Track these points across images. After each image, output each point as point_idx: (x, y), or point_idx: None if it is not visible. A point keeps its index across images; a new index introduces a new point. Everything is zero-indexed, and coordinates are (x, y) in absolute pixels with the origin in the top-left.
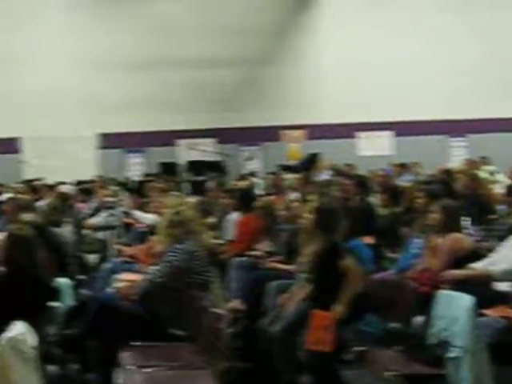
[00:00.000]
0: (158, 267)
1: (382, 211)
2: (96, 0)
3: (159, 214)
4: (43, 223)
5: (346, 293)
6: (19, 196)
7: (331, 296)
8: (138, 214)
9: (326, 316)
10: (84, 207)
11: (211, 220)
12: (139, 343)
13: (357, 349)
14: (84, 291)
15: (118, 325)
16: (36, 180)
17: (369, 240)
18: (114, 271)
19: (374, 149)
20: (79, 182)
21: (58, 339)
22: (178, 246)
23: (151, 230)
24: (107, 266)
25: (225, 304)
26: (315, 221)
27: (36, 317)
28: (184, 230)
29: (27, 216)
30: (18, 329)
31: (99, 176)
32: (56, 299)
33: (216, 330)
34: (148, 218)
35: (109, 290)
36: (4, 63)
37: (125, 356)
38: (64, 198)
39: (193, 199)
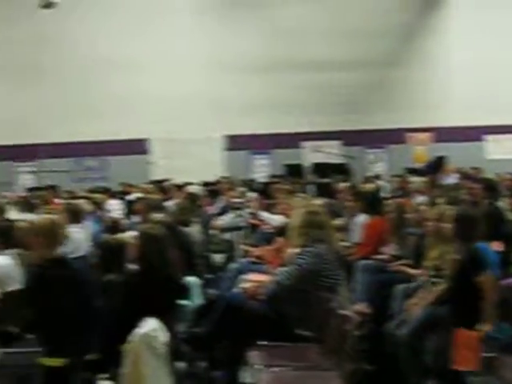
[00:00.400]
0: (286, 269)
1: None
2: (224, 3)
3: (286, 215)
4: (173, 223)
5: (489, 308)
6: (150, 196)
7: (470, 308)
8: (265, 215)
9: (472, 335)
10: (211, 208)
11: (338, 222)
12: (266, 343)
13: (485, 355)
14: (211, 290)
15: (245, 324)
16: (164, 181)
17: (497, 246)
18: (241, 271)
19: (503, 152)
20: (206, 183)
21: (187, 337)
22: (308, 248)
23: (278, 231)
24: (234, 266)
25: (351, 306)
26: (454, 229)
27: (166, 314)
28: (317, 231)
29: (158, 216)
30: (151, 325)
31: (226, 177)
32: (185, 298)
33: (343, 331)
34: (275, 219)
35: (236, 290)
36: (135, 67)
37: (252, 355)
38: (193, 198)
39: (320, 201)
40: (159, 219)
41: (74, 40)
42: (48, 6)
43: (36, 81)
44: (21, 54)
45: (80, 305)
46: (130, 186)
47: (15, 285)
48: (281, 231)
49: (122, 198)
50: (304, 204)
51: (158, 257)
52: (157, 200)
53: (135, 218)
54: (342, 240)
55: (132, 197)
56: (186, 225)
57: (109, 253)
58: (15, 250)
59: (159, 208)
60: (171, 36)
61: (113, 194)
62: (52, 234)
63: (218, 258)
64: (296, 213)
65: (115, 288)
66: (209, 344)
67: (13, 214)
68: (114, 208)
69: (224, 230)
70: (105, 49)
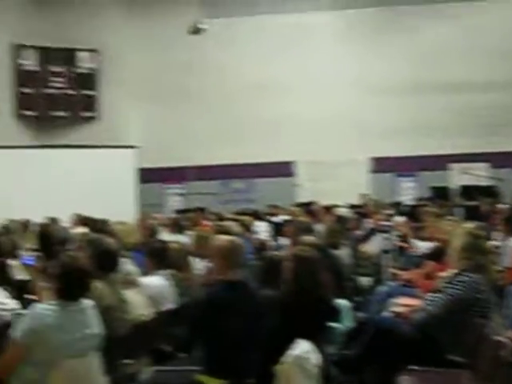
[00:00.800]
0: (437, 297)
1: None
2: (370, 27)
3: (435, 239)
4: (324, 245)
5: None
6: (299, 219)
7: None
8: (413, 240)
9: None
10: (359, 230)
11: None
12: (417, 367)
13: None
14: (360, 313)
15: (395, 348)
16: (311, 203)
17: None
18: (390, 295)
19: None
20: (352, 206)
21: (337, 359)
22: (461, 278)
23: (429, 254)
24: (383, 289)
25: (505, 332)
26: None
27: (318, 336)
28: (479, 256)
29: (309, 238)
30: (303, 347)
31: (373, 200)
32: (336, 320)
33: (497, 358)
34: (423, 245)
35: (385, 314)
36: (280, 90)
37: (402, 379)
38: (342, 220)
39: (473, 224)
40: (310, 241)
41: (219, 65)
42: (197, 32)
43: (184, 105)
44: (170, 79)
45: (246, 329)
46: (277, 207)
47: (168, 304)
48: (431, 255)
49: (268, 220)
50: (461, 227)
51: (310, 279)
52: (306, 222)
53: (282, 240)
54: (493, 263)
55: (279, 219)
56: (336, 247)
57: (270, 268)
58: (168, 271)
59: (308, 230)
60: (316, 59)
61: (259, 216)
62: (230, 256)
63: (364, 280)
64: (457, 235)
65: (271, 305)
66: (358, 367)
67: (163, 236)
68: (262, 230)
69: (371, 253)
70: (250, 73)
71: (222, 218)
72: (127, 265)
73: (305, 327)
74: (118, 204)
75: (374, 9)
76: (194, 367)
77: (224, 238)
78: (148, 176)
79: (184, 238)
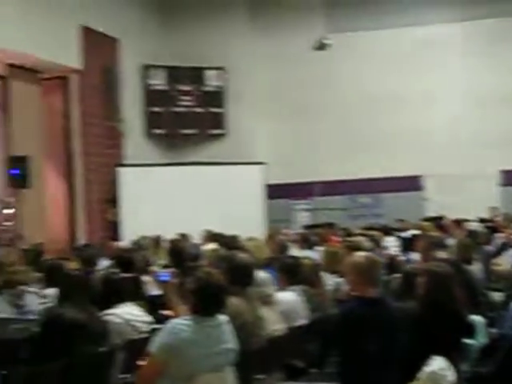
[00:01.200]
0: None
1: None
2: (487, 38)
3: None
4: (456, 260)
5: None
6: (430, 233)
7: None
8: None
9: None
10: (490, 245)
11: None
12: None
13: None
14: (493, 330)
15: None
16: (441, 217)
17: None
18: None
19: None
20: (482, 220)
21: (471, 376)
22: None
23: None
24: None
25: None
26: None
27: (453, 352)
28: None
29: (441, 253)
30: (439, 364)
31: (503, 213)
32: (471, 336)
33: None
34: None
35: None
36: (404, 102)
37: None
38: (473, 235)
39: None
40: (443, 257)
41: (344, 80)
42: (322, 47)
43: (309, 121)
44: (295, 95)
45: (382, 346)
46: (403, 222)
47: (301, 320)
48: None
49: (397, 235)
50: None
51: (445, 294)
52: (437, 237)
53: (412, 255)
54: None
55: (407, 234)
56: (469, 262)
57: (406, 282)
58: (300, 287)
59: (440, 245)
60: (435, 70)
61: (388, 231)
62: (366, 273)
63: (496, 296)
64: None
65: (406, 321)
66: None
67: (293, 251)
68: (391, 245)
69: (504, 267)
70: (373, 86)
71: (350, 234)
72: (266, 280)
73: (440, 343)
74: (247, 220)
75: (491, 20)
76: (326, 383)
77: (360, 254)
78: (275, 192)
79: (313, 254)
